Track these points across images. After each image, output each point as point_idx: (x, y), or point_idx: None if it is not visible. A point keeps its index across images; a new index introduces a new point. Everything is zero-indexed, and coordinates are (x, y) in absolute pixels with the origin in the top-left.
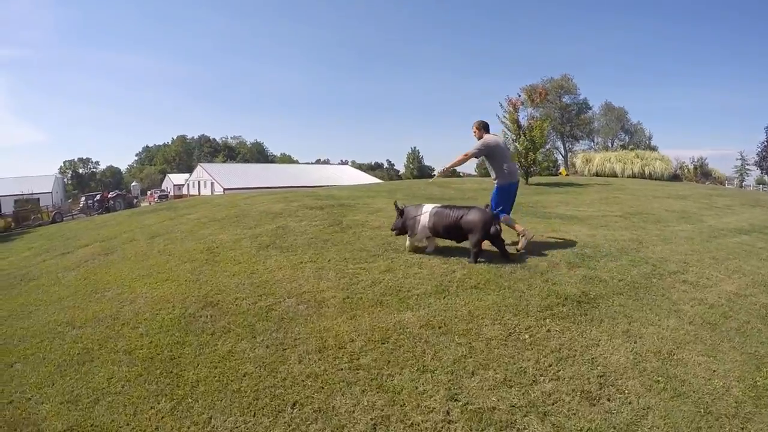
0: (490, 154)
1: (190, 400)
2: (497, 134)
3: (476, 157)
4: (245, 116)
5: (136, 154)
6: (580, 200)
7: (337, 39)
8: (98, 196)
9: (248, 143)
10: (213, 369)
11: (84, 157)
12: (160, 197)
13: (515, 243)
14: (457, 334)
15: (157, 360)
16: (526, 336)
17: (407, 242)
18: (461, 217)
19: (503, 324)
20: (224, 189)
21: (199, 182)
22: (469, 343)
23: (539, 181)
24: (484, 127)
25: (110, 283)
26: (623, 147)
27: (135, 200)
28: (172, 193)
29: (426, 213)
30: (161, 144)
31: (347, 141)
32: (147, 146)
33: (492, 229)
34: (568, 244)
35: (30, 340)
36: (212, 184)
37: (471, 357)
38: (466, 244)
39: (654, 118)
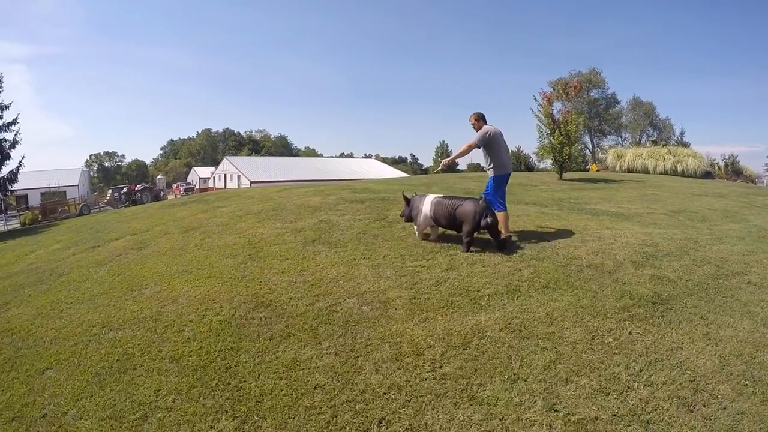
0: (489, 143)
1: (256, 417)
2: (494, 125)
3: (478, 147)
4: (269, 110)
5: (161, 148)
6: (619, 197)
7: (361, 32)
8: (125, 189)
9: (272, 137)
10: (278, 380)
11: (110, 151)
12: (185, 190)
13: (515, 232)
14: (540, 338)
15: (210, 369)
16: (610, 339)
17: (415, 230)
18: (456, 208)
19: (584, 326)
20: (251, 182)
21: (225, 175)
22: (555, 347)
23: (572, 177)
24: (482, 118)
25: (146, 279)
26: (654, 143)
27: (162, 193)
28: (197, 186)
29: (428, 202)
30: (186, 137)
31: (370, 135)
32: (172, 140)
33: (483, 222)
34: (627, 242)
35: (63, 342)
36: (239, 177)
37: (560, 363)
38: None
39: (683, 114)
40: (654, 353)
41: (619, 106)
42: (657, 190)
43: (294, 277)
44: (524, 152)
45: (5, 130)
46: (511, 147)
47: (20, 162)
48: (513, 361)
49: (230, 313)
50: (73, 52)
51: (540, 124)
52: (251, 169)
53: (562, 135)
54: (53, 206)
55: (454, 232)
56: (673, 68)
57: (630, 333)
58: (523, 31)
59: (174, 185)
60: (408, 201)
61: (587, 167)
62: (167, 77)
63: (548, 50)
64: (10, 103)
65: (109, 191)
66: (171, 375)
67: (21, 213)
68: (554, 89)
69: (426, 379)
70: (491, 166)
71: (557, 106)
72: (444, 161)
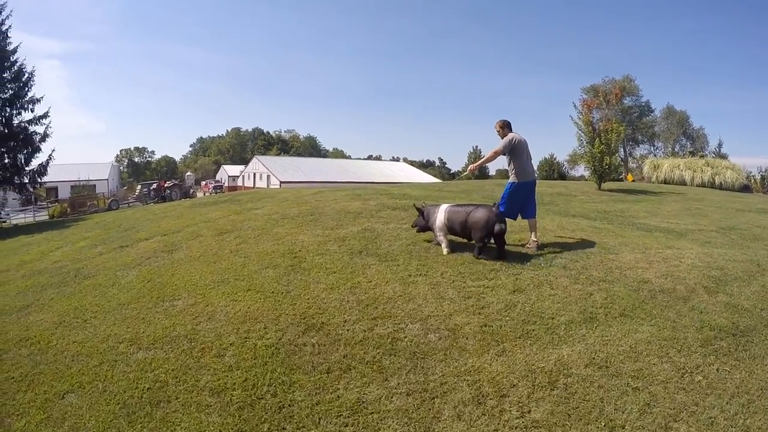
0: (514, 150)
1: None
2: (519, 133)
3: (504, 154)
4: (298, 110)
5: (191, 145)
6: (664, 211)
7: (390, 35)
8: (154, 185)
9: (301, 137)
10: (343, 426)
11: (140, 147)
12: (215, 188)
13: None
14: (629, 376)
15: (259, 408)
16: (700, 377)
17: (436, 239)
18: (469, 214)
19: (671, 362)
20: (280, 182)
21: (254, 174)
22: (647, 387)
23: (610, 187)
24: (507, 126)
25: (179, 288)
26: (692, 154)
27: (191, 190)
28: (226, 184)
29: (442, 211)
30: (215, 135)
31: (398, 137)
32: (201, 137)
33: (496, 228)
34: (693, 264)
35: (86, 360)
36: (268, 177)
37: (655, 406)
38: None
39: (717, 123)
40: (746, 393)
41: (653, 114)
42: (699, 203)
43: (345, 295)
44: (557, 160)
45: (36, 123)
46: (545, 155)
47: (50, 155)
48: (606, 404)
49: (277, 337)
50: (105, 48)
51: (579, 132)
52: (281, 168)
53: (602, 144)
54: (82, 200)
55: (465, 240)
56: (707, 77)
57: (717, 370)
58: (553, 36)
59: (203, 183)
60: (421, 212)
61: (621, 177)
62: (198, 76)
63: (579, 57)
64: (42, 97)
65: (138, 186)
66: (213, 413)
67: (50, 205)
68: (595, 96)
69: (516, 428)
70: (514, 172)
71: (595, 114)
72: (471, 167)
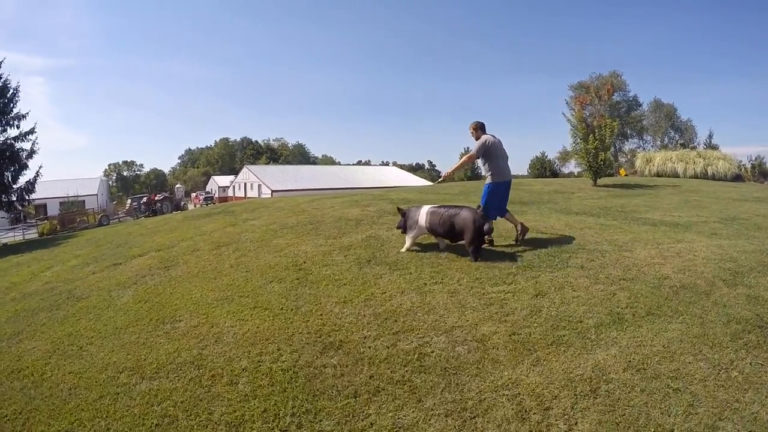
0: (488, 152)
1: None
2: (493, 134)
3: (478, 157)
4: (286, 118)
5: (179, 157)
6: (664, 204)
7: (373, 40)
8: (145, 199)
9: (290, 145)
10: None
11: (128, 160)
12: (205, 199)
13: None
14: (668, 377)
15: None
16: (736, 373)
17: (406, 240)
18: (454, 216)
19: (706, 360)
20: (272, 191)
21: (245, 184)
22: (687, 387)
23: (606, 183)
24: (481, 128)
25: (179, 308)
26: (683, 146)
27: (182, 203)
28: (217, 195)
29: (423, 213)
30: (204, 147)
31: (386, 142)
32: (189, 149)
33: (486, 227)
34: (707, 257)
35: (84, 394)
36: (259, 186)
37: (699, 406)
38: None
39: (704, 114)
40: None
41: (640, 108)
42: (696, 195)
43: (360, 309)
44: (549, 158)
45: (22, 140)
46: (536, 153)
47: (37, 172)
48: (651, 408)
49: (293, 359)
50: (88, 63)
51: (572, 128)
52: (272, 177)
53: (597, 140)
54: (72, 217)
55: (448, 241)
56: (692, 69)
57: (751, 364)
58: (538, 34)
59: (193, 194)
60: (403, 213)
61: (613, 172)
62: (183, 88)
63: (565, 53)
64: (27, 113)
65: (129, 201)
66: None
67: (39, 223)
68: (587, 93)
69: None
70: (489, 173)
71: (587, 110)
72: (445, 172)
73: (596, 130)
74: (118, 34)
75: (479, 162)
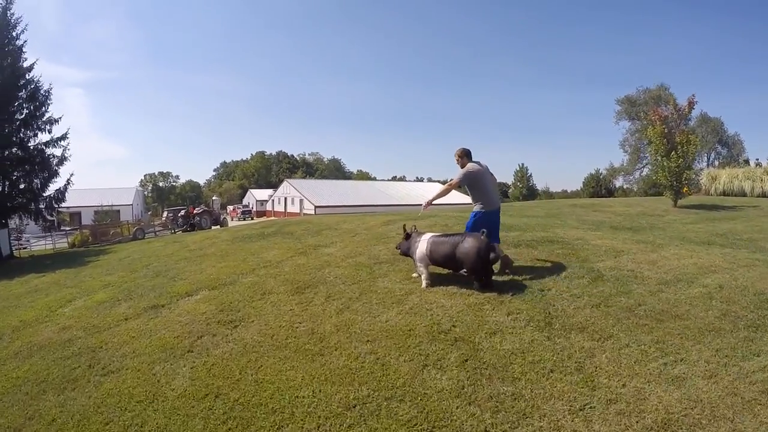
0: (472, 182)
1: None
2: (479, 161)
3: (460, 186)
4: (321, 132)
5: (214, 169)
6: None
7: (410, 54)
8: (183, 212)
9: (325, 159)
10: None
11: (164, 171)
12: (243, 213)
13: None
14: None
15: None
16: None
17: (418, 272)
18: (457, 246)
19: None
20: (315, 207)
21: (285, 198)
22: None
23: (684, 204)
24: (466, 155)
25: (283, 417)
26: (747, 162)
27: (222, 217)
28: (254, 209)
29: (424, 241)
30: (239, 159)
31: (419, 156)
32: (224, 162)
33: (491, 256)
34: None
35: None
36: (301, 201)
37: None
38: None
39: (753, 128)
40: None
41: (689, 123)
42: None
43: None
44: (603, 174)
45: (54, 145)
46: (590, 170)
47: (68, 180)
48: None
49: None
50: (128, 76)
51: (651, 146)
52: (314, 192)
53: (680, 157)
54: (105, 229)
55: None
56: (738, 81)
57: None
58: (577, 48)
59: (230, 207)
60: (408, 236)
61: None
62: (219, 102)
63: (604, 67)
64: (60, 117)
65: (165, 212)
66: None
67: (71, 232)
68: (667, 106)
69: None
70: (478, 202)
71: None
72: (425, 202)
73: (678, 147)
74: (158, 48)
75: (467, 190)
